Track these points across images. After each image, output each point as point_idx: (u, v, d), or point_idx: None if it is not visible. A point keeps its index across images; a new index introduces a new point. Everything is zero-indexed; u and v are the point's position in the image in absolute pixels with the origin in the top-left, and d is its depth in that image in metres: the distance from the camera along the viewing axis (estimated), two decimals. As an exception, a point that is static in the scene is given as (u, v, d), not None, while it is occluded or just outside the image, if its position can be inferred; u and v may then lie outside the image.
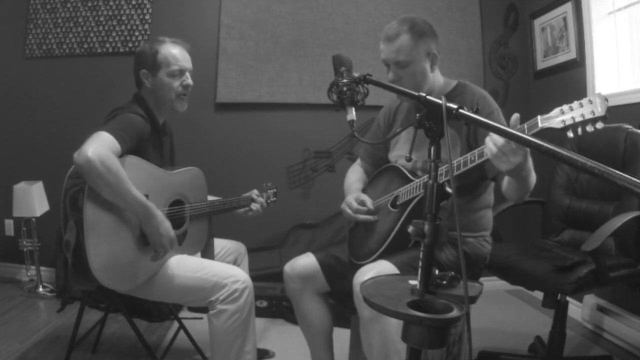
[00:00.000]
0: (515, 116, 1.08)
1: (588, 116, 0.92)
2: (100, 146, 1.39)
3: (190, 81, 1.72)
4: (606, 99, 0.91)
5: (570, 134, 0.95)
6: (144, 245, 1.54)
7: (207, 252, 1.83)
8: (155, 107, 1.71)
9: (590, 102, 0.92)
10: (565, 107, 0.96)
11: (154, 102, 1.71)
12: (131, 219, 1.50)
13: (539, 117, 1.02)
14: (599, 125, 0.91)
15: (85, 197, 1.41)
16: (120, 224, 1.48)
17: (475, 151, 1.27)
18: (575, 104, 0.95)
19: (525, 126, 1.06)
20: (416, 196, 1.46)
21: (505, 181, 1.38)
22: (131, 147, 1.51)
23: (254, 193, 1.97)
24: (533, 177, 1.27)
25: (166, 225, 1.53)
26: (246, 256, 2.03)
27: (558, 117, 0.97)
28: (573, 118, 0.94)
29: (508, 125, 1.04)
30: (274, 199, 2.13)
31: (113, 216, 1.47)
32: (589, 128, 0.92)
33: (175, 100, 1.70)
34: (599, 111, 0.90)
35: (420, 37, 1.50)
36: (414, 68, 1.51)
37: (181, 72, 1.69)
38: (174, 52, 1.68)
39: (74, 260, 1.46)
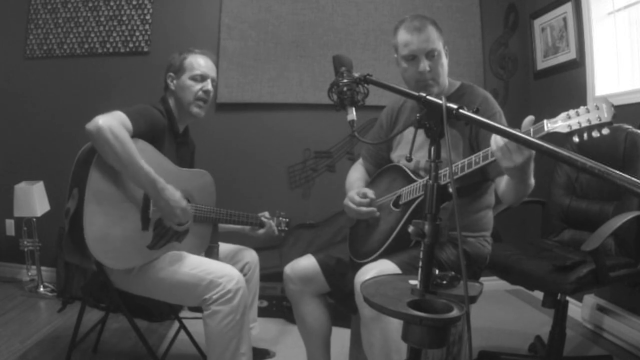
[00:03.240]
0: (529, 118, 1.08)
1: (594, 122, 0.92)
2: (112, 118, 1.44)
3: (210, 87, 1.80)
4: (613, 105, 0.91)
5: (576, 139, 0.95)
6: (143, 230, 1.54)
7: (210, 258, 1.82)
8: (175, 111, 1.78)
9: (597, 107, 0.92)
10: (571, 111, 0.96)
11: (175, 104, 1.79)
12: (135, 199, 1.51)
13: (545, 121, 1.02)
14: (605, 131, 0.91)
15: (92, 164, 1.44)
16: (123, 201, 1.49)
17: (480, 153, 1.27)
18: (581, 109, 0.94)
19: (531, 129, 1.06)
20: (419, 196, 1.46)
21: (504, 182, 1.38)
22: (144, 131, 1.55)
23: (265, 215, 1.98)
24: (532, 182, 1.27)
25: (177, 196, 1.55)
26: (257, 266, 1.99)
27: (564, 122, 0.97)
28: (579, 123, 0.94)
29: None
30: (286, 228, 2.10)
31: (117, 191, 1.48)
32: (595, 133, 0.92)
33: (193, 104, 1.77)
34: (606, 117, 0.90)
35: (440, 29, 1.57)
36: (442, 58, 1.56)
37: (203, 77, 1.78)
38: (199, 60, 1.79)
39: (70, 228, 1.47)
